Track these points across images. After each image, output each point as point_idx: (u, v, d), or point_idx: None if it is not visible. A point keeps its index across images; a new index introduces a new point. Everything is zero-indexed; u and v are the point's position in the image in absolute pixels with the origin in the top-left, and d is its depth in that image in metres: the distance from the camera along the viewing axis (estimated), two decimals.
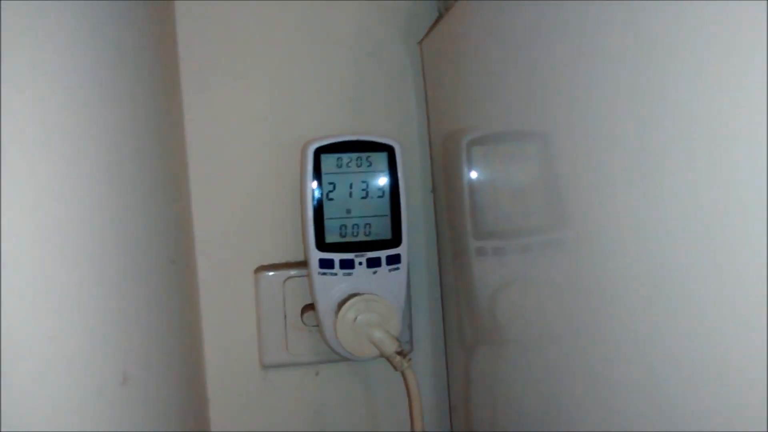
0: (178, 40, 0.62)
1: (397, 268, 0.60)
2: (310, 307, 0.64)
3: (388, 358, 0.56)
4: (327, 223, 0.59)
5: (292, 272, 0.64)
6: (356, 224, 0.59)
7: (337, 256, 0.59)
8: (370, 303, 0.57)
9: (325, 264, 0.59)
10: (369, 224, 0.59)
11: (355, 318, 0.57)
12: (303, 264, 0.64)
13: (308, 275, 0.60)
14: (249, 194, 0.64)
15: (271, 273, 0.64)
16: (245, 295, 0.64)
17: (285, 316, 0.64)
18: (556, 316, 0.44)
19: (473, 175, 0.57)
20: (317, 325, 0.63)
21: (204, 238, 0.64)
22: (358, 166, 0.59)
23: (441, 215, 0.64)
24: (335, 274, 0.59)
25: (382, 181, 0.59)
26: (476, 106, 0.54)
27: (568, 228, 0.41)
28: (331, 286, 0.59)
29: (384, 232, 0.60)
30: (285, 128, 0.65)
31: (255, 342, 0.64)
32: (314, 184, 0.58)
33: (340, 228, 0.59)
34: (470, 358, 0.61)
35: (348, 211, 0.59)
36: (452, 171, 0.60)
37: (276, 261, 0.65)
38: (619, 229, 0.35)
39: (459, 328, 0.63)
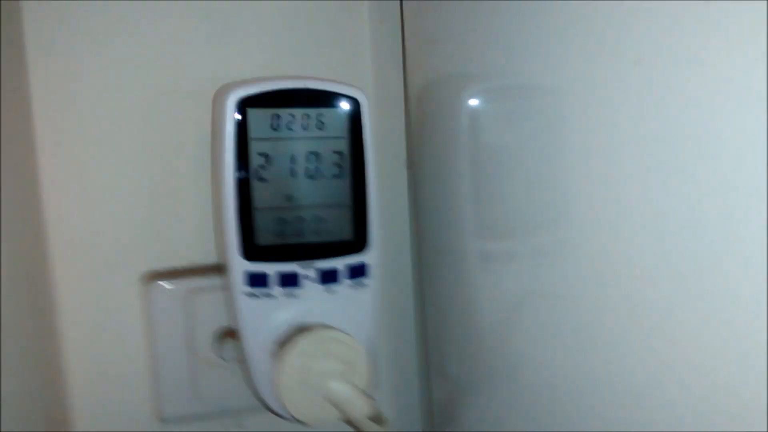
0: None
1: (364, 285, 0.40)
2: (230, 333, 0.44)
3: (355, 425, 0.37)
4: (257, 215, 0.38)
5: (201, 282, 0.43)
6: (301, 217, 0.39)
7: (273, 268, 0.38)
8: (328, 343, 0.37)
9: (256, 280, 0.38)
10: (321, 218, 0.39)
11: (305, 367, 0.37)
12: (216, 269, 0.43)
13: (227, 293, 0.40)
14: (131, 166, 0.42)
15: (168, 283, 0.43)
16: (130, 317, 0.43)
17: (192, 347, 0.43)
18: (600, 348, 0.30)
19: (477, 144, 0.38)
20: (242, 362, 0.43)
21: (61, 230, 0.41)
22: (304, 129, 0.38)
23: (421, 203, 0.44)
24: (272, 296, 0.38)
25: (341, 151, 0.39)
26: (487, 40, 0.35)
27: (621, 222, 0.27)
28: (265, 314, 0.39)
29: (343, 229, 0.40)
30: (185, 68, 0.42)
31: (148, 385, 0.43)
32: (236, 155, 0.37)
33: (278, 223, 0.38)
34: (466, 405, 0.43)
35: (289, 198, 0.39)
36: (442, 138, 0.41)
37: (175, 265, 0.44)
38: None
39: (446, 364, 0.44)
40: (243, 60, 0.42)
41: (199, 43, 0.42)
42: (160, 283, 0.43)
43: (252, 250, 0.38)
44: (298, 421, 0.37)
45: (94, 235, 0.42)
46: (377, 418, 0.36)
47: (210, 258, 0.44)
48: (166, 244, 0.43)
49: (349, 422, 0.37)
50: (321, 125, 0.38)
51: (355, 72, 0.46)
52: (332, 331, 0.38)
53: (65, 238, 0.41)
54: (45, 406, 0.40)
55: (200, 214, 0.43)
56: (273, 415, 0.42)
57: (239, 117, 0.36)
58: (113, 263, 0.42)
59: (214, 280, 0.43)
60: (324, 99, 0.38)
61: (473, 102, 0.38)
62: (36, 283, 0.40)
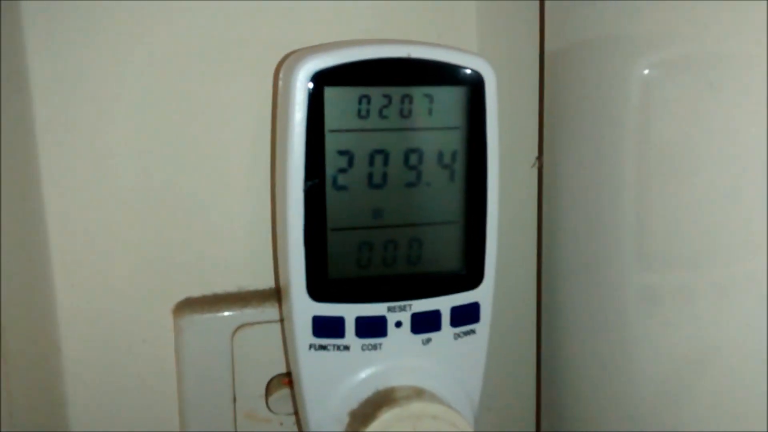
0: None
1: (473, 332, 0.29)
2: (283, 378, 0.33)
3: None
4: (333, 238, 0.27)
5: (250, 313, 0.32)
6: (394, 241, 0.28)
7: (351, 311, 0.27)
8: (423, 420, 0.26)
9: (327, 327, 0.27)
10: (421, 241, 0.28)
11: None
12: (268, 295, 0.33)
13: (286, 339, 0.29)
14: (163, 165, 0.31)
15: (206, 315, 0.32)
16: (157, 357, 0.33)
17: (234, 398, 0.33)
18: None
19: (648, 136, 0.27)
20: (297, 415, 0.32)
21: (65, 242, 0.31)
22: (404, 117, 0.27)
23: (556, 217, 0.33)
24: (346, 348, 0.27)
25: (454, 148, 0.27)
26: None
27: None
28: (336, 374, 0.28)
29: (451, 257, 0.28)
30: (233, 30, 0.31)
31: None
32: (306, 154, 0.25)
33: (360, 249, 0.27)
34: None
35: (378, 214, 0.27)
36: (595, 128, 0.29)
37: (217, 290, 0.33)
38: None
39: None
40: (316, 18, 0.31)
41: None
42: (197, 315, 0.32)
43: (323, 286, 0.27)
44: None
45: (110, 252, 0.31)
46: None
47: (263, 282, 0.33)
48: (208, 264, 0.32)
49: None
50: (428, 111, 0.26)
51: (460, 38, 0.34)
52: (429, 403, 0.27)
53: (71, 252, 0.31)
54: None
55: (253, 227, 0.32)
56: None
57: (312, 99, 0.25)
58: (136, 289, 0.32)
59: (264, 311, 0.32)
60: (434, 73, 0.26)
61: (645, 77, 0.26)
62: (36, 313, 0.30)
